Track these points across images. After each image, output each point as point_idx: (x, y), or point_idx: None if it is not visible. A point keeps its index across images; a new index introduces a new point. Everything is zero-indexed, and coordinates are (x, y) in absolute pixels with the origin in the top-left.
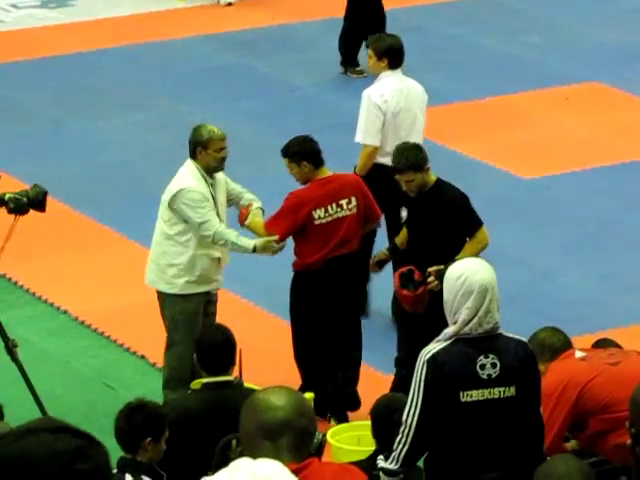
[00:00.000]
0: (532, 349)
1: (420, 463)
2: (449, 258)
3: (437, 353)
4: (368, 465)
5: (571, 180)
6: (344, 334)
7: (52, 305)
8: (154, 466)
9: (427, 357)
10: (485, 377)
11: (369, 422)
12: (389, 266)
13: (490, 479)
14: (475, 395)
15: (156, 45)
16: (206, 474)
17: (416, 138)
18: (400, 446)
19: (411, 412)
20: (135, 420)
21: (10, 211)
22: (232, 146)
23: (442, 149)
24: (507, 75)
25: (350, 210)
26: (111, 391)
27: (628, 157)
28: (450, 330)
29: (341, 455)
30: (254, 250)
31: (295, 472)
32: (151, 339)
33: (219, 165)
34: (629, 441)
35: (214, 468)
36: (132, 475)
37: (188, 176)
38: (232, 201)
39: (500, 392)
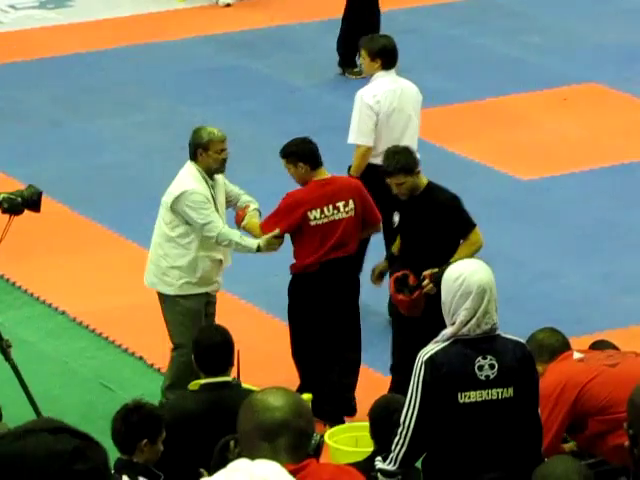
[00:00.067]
0: (530, 350)
1: (418, 464)
2: (443, 261)
3: (435, 354)
4: (366, 466)
5: (570, 181)
6: (342, 337)
7: (50, 306)
8: (151, 467)
9: (425, 358)
10: (483, 378)
11: (367, 423)
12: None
13: None
14: (473, 396)
15: (155, 46)
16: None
17: (410, 138)
18: (398, 447)
19: (409, 413)
20: (131, 421)
21: (4, 211)
22: (231, 147)
23: (441, 150)
24: (506, 76)
25: (347, 213)
26: (109, 392)
27: (627, 158)
28: (448, 331)
29: (339, 456)
30: (258, 249)
31: (293, 473)
32: (149, 340)
33: (220, 167)
34: (627, 442)
35: (212, 469)
36: (129, 476)
37: (190, 178)
38: (230, 203)
39: (498, 393)
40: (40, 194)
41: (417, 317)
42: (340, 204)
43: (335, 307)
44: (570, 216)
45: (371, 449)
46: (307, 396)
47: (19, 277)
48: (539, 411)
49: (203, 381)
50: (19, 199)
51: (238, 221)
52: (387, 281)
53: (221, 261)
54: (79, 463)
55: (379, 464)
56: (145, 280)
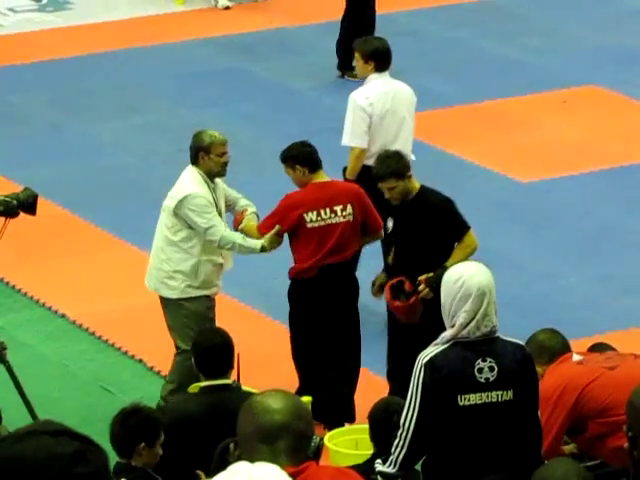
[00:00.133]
0: (530, 352)
1: (418, 467)
2: (438, 265)
3: (435, 356)
4: (366, 469)
5: (570, 183)
6: (341, 344)
7: (50, 308)
8: (149, 471)
9: (425, 360)
10: (483, 381)
11: (367, 425)
12: None
13: None
14: (473, 399)
15: (154, 48)
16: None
17: (405, 140)
18: (398, 449)
19: (409, 415)
20: (129, 425)
21: (0, 214)
22: (231, 149)
23: (440, 152)
24: (506, 78)
25: (344, 217)
26: (109, 395)
27: (626, 160)
28: (448, 333)
29: (339, 459)
30: (263, 249)
31: (293, 476)
32: (149, 343)
33: (221, 170)
34: (626, 444)
35: (212, 472)
36: None
37: (192, 182)
38: (228, 206)
39: (498, 396)
40: (36, 197)
41: (414, 323)
42: (337, 208)
43: (334, 313)
44: (569, 218)
45: (371, 452)
46: (307, 399)
47: (19, 280)
48: (539, 414)
49: (203, 384)
50: (15, 202)
51: (236, 225)
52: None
53: (221, 265)
54: (79, 466)
55: (379, 466)
56: (147, 284)
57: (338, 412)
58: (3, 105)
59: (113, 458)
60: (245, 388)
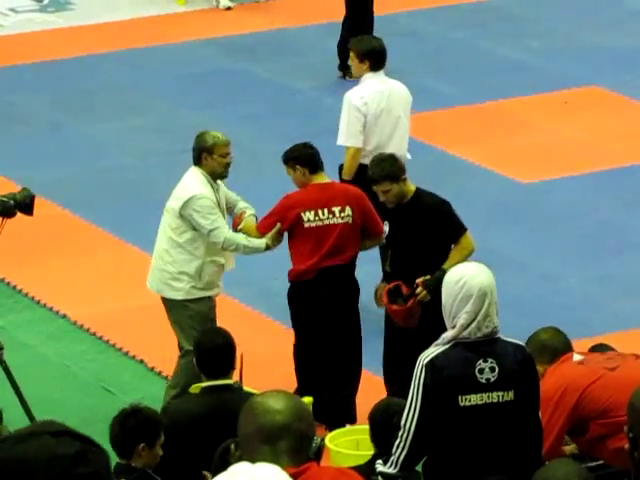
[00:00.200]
0: (530, 353)
1: (419, 467)
2: (435, 268)
3: (436, 357)
4: (367, 469)
5: (571, 184)
6: (342, 347)
7: (51, 309)
8: (149, 471)
9: (426, 361)
10: (484, 381)
11: (368, 426)
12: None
13: None
14: (474, 399)
15: (155, 49)
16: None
17: (400, 139)
18: (399, 450)
19: (410, 416)
20: (129, 426)
21: None
22: (232, 150)
23: (441, 153)
24: (507, 79)
25: (343, 219)
26: (110, 395)
27: (628, 161)
28: (449, 334)
29: (340, 459)
30: (267, 248)
31: (294, 476)
32: (150, 343)
33: (224, 171)
34: (627, 445)
35: (213, 472)
36: None
37: (196, 183)
38: (227, 208)
39: (499, 396)
40: (33, 197)
41: (413, 328)
42: (336, 209)
43: (334, 315)
44: (570, 219)
45: (372, 452)
46: (308, 399)
47: (20, 280)
48: (540, 414)
49: (204, 384)
50: (12, 202)
51: (235, 227)
52: None
53: (223, 265)
54: (81, 466)
55: (380, 467)
56: (150, 286)
57: (339, 414)
58: (3, 105)
59: (114, 459)
60: (246, 389)
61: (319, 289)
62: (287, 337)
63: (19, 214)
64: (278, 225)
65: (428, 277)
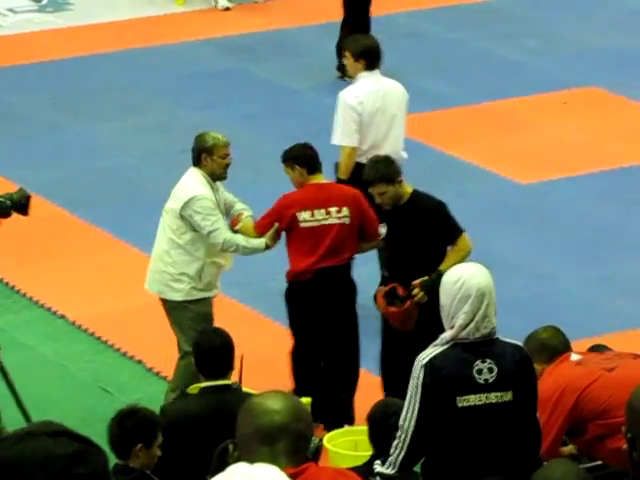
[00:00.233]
0: (528, 353)
1: (417, 468)
2: (432, 269)
3: (434, 358)
4: (365, 470)
5: (569, 185)
6: (340, 349)
7: (49, 309)
8: (147, 472)
9: (424, 362)
10: (482, 382)
11: (366, 427)
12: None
13: None
14: (472, 400)
15: (154, 49)
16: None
17: (395, 138)
18: (397, 451)
19: (408, 417)
20: (126, 426)
21: None
22: (230, 150)
23: (440, 154)
24: (505, 80)
25: (339, 219)
26: (108, 395)
27: (627, 161)
28: (447, 335)
29: (338, 460)
30: (267, 247)
31: (292, 477)
32: (148, 344)
33: (224, 172)
34: (625, 446)
35: (212, 473)
36: None
37: (196, 183)
38: (225, 210)
39: (497, 397)
40: (29, 197)
41: (410, 330)
42: (332, 209)
43: (331, 316)
44: (569, 220)
45: (370, 453)
46: (306, 400)
47: (18, 281)
48: (538, 415)
49: (203, 384)
50: (8, 202)
51: (232, 228)
52: None
53: (222, 266)
54: (79, 467)
55: (378, 468)
56: (149, 288)
57: (337, 415)
58: (2, 105)
59: (113, 459)
60: (245, 389)
61: (317, 289)
62: (286, 338)
63: (14, 214)
64: (276, 225)
65: (425, 279)
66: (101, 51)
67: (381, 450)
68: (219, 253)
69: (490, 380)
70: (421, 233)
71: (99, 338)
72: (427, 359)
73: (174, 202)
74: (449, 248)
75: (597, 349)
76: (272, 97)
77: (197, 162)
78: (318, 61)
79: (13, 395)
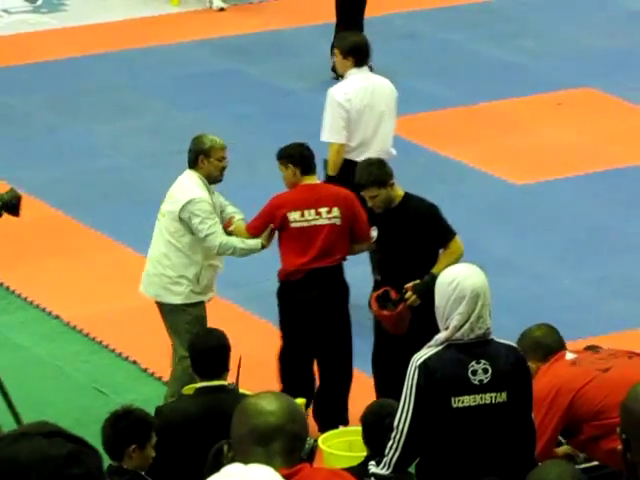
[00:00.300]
0: (523, 353)
1: (412, 469)
2: (424, 272)
3: (429, 358)
4: (360, 471)
5: (564, 186)
6: (332, 351)
7: (44, 310)
8: (141, 473)
9: (419, 362)
10: (477, 383)
11: (360, 428)
12: None
13: None
14: (467, 401)
15: (149, 50)
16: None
17: (384, 136)
18: (391, 451)
19: (402, 417)
20: (119, 427)
21: None
22: (226, 151)
23: (435, 154)
24: (500, 80)
25: (330, 220)
26: (102, 396)
27: (621, 162)
28: (442, 335)
29: (332, 461)
30: (263, 247)
31: (287, 477)
32: (143, 344)
33: (220, 174)
34: (620, 447)
35: (206, 474)
36: None
37: (194, 186)
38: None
39: (492, 398)
40: (19, 198)
41: (402, 334)
42: (323, 210)
43: (323, 318)
44: (564, 220)
45: (365, 454)
46: (301, 401)
47: (13, 281)
48: (533, 415)
49: (198, 385)
50: (0, 203)
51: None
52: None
53: (218, 268)
54: (73, 467)
55: (373, 468)
56: (145, 292)
57: (331, 417)
58: None
59: (107, 460)
60: (240, 390)
61: (308, 290)
62: (280, 338)
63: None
64: (271, 226)
65: (417, 282)
66: (96, 52)
67: (375, 451)
68: (216, 256)
69: (485, 381)
70: (413, 236)
71: (94, 339)
72: (422, 360)
73: (171, 204)
74: (441, 251)
75: (591, 350)
76: (267, 98)
77: (194, 164)
78: (313, 62)
79: (3, 396)
